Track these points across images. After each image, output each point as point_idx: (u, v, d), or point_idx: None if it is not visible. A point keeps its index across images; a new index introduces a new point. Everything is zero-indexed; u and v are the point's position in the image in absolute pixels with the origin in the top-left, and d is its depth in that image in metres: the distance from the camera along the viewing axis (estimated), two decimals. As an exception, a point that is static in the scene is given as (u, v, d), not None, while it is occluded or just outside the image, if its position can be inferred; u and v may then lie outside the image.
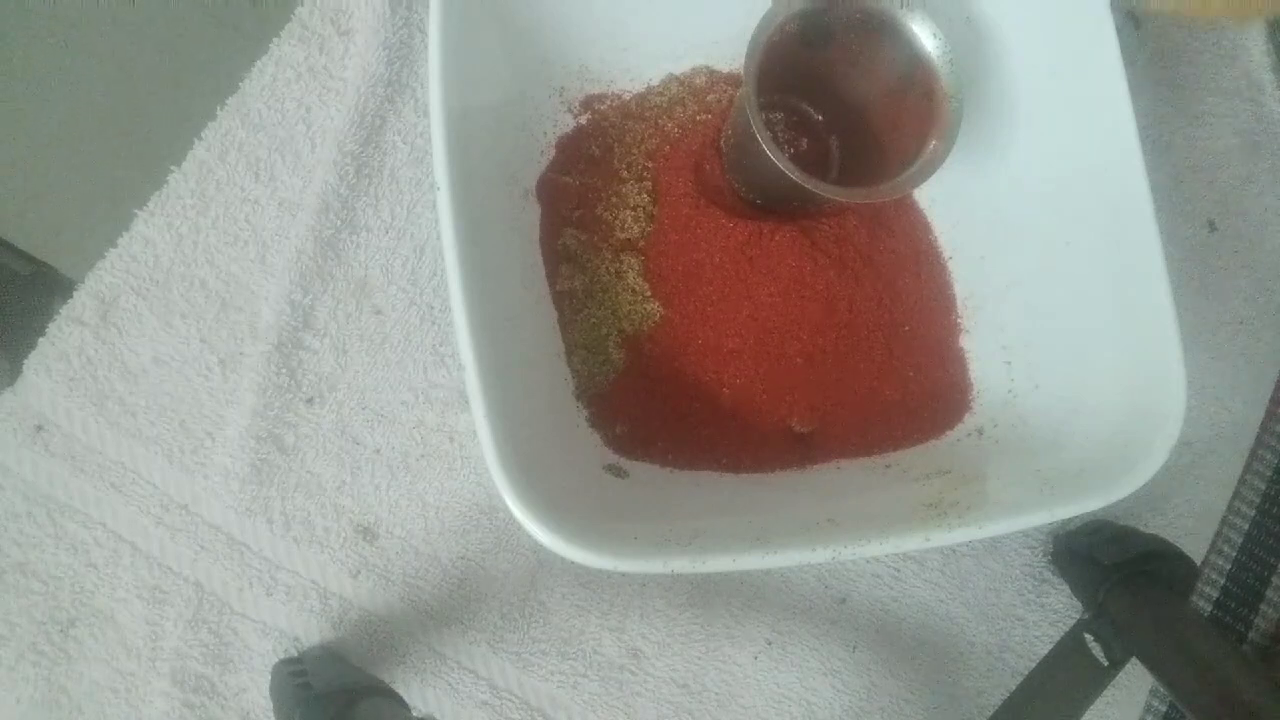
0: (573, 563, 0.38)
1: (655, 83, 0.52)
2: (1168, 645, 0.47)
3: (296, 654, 0.48)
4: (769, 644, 0.52)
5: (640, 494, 0.46)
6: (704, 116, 0.52)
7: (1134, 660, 0.48)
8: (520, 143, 0.50)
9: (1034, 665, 0.50)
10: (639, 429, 0.48)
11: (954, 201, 0.53)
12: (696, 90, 0.52)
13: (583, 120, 0.52)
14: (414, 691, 0.49)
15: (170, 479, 0.49)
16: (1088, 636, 0.50)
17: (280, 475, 0.49)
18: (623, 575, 0.51)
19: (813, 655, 0.52)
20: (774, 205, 0.50)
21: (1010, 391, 0.50)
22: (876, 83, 0.49)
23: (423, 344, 0.51)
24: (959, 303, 0.53)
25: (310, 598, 0.49)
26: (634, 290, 0.49)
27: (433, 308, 0.51)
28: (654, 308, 0.49)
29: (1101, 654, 0.49)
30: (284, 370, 0.49)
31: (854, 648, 0.53)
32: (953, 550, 0.54)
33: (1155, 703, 0.57)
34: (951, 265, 0.53)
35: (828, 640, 0.53)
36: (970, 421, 0.51)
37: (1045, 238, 0.50)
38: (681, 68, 0.53)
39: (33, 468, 0.48)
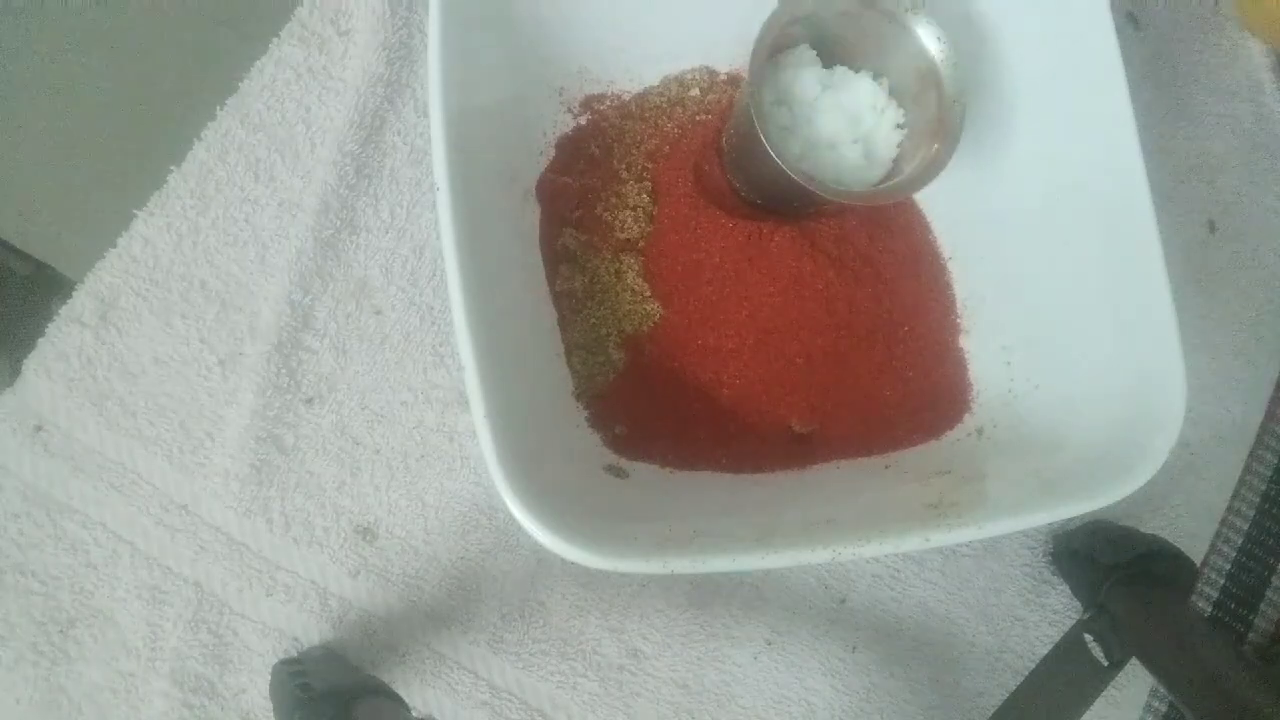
0: (572, 563, 0.38)
1: (655, 83, 0.52)
2: (1168, 645, 0.47)
3: (296, 654, 0.48)
4: (769, 644, 0.52)
5: (640, 494, 0.46)
6: (704, 116, 0.52)
7: (1134, 660, 0.48)
8: (520, 143, 0.50)
9: (1034, 665, 0.50)
10: (639, 429, 0.48)
11: (954, 202, 0.53)
12: (696, 90, 0.52)
13: (582, 120, 0.52)
14: (414, 691, 0.49)
15: (170, 479, 0.49)
16: (1088, 636, 0.50)
17: (280, 475, 0.49)
18: (622, 575, 0.51)
19: (813, 655, 0.52)
20: (774, 205, 0.50)
21: (1010, 391, 0.50)
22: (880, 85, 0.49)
23: (422, 344, 0.51)
24: (959, 303, 0.53)
25: (310, 598, 0.49)
26: (634, 290, 0.49)
27: (433, 308, 0.51)
28: (654, 308, 0.49)
29: (1101, 654, 0.49)
30: (284, 370, 0.49)
31: (854, 648, 0.53)
32: (953, 550, 0.54)
33: (1155, 703, 0.57)
34: (951, 265, 0.53)
35: (828, 640, 0.53)
36: (970, 422, 0.51)
37: (1045, 238, 0.50)
38: (681, 68, 0.53)
39: (32, 468, 0.48)
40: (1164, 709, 0.57)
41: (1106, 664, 0.49)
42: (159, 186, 0.50)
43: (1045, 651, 0.50)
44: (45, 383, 0.49)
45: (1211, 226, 0.61)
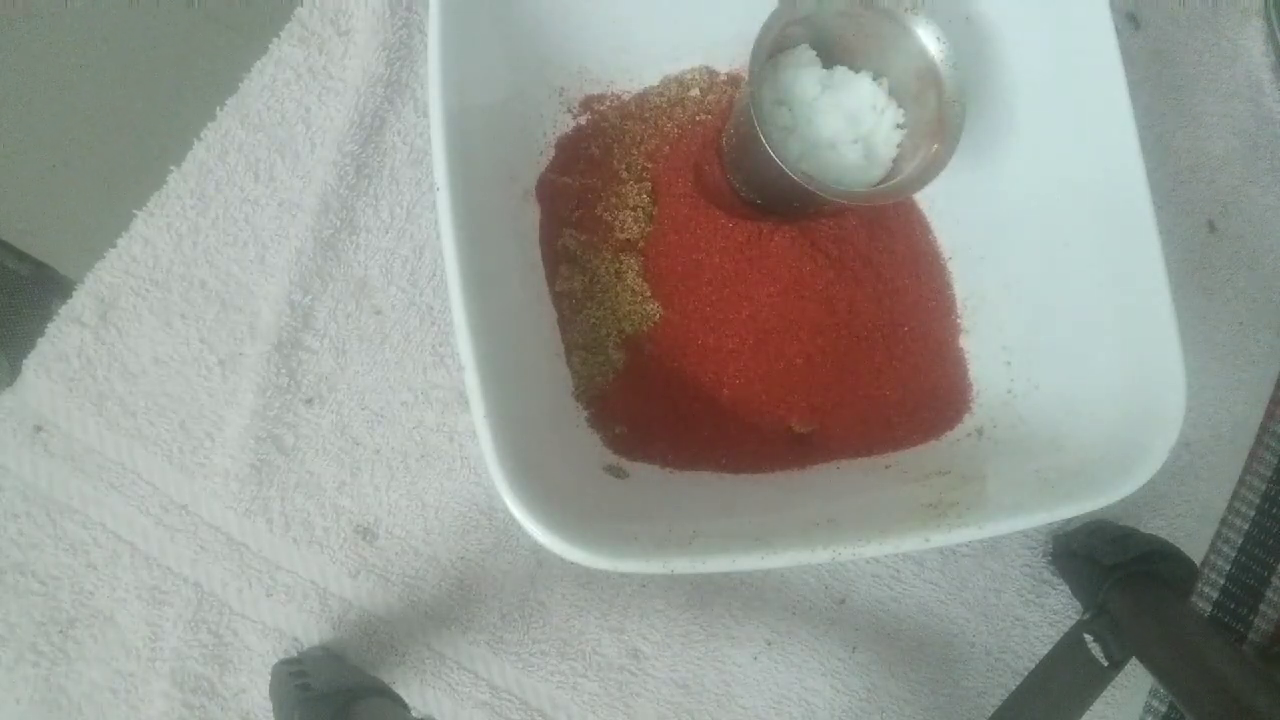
0: (572, 563, 0.38)
1: (655, 83, 0.52)
2: (1168, 645, 0.47)
3: (296, 654, 0.48)
4: (769, 644, 0.52)
5: (640, 494, 0.46)
6: (703, 117, 0.52)
7: (1134, 660, 0.48)
8: (520, 143, 0.50)
9: (1034, 665, 0.50)
10: (639, 429, 0.48)
11: (954, 201, 0.53)
12: (696, 90, 0.52)
13: (582, 120, 0.52)
14: (414, 691, 0.49)
15: (170, 479, 0.49)
16: (1087, 637, 0.50)
17: (280, 476, 0.49)
18: (622, 575, 0.51)
19: (812, 656, 0.52)
20: (774, 205, 0.50)
21: (1010, 391, 0.50)
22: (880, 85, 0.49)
23: (422, 344, 0.51)
24: (959, 303, 0.53)
25: (310, 598, 0.49)
26: (633, 290, 0.49)
27: (432, 308, 0.51)
28: (653, 308, 0.49)
29: (1101, 654, 0.49)
30: (284, 370, 0.49)
31: (854, 648, 0.53)
32: (953, 550, 0.54)
33: (1155, 703, 0.57)
34: (951, 265, 0.53)
35: (827, 641, 0.53)
36: (970, 421, 0.51)
37: (1045, 238, 0.50)
38: (681, 68, 0.53)
39: (32, 468, 0.48)
40: (1164, 709, 0.57)
41: (1106, 664, 0.49)
42: (159, 186, 0.50)
43: (1045, 651, 0.50)
44: (45, 383, 0.49)
45: (1211, 226, 0.61)
